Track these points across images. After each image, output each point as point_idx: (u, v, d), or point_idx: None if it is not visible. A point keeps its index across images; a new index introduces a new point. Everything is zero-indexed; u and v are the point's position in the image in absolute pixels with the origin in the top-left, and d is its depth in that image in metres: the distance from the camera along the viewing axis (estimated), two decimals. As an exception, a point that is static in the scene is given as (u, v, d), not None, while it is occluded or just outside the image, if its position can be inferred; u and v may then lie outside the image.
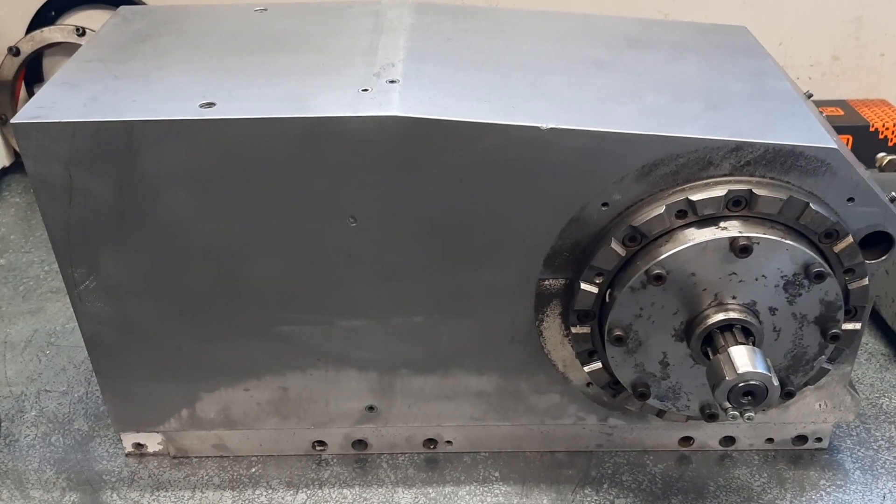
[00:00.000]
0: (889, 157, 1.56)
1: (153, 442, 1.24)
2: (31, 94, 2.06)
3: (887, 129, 1.93)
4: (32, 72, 2.06)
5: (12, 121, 0.96)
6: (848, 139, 1.92)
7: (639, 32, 1.24)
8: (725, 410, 0.98)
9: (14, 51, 1.98)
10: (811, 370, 1.07)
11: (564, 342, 1.12)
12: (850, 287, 1.04)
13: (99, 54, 1.12)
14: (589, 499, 1.18)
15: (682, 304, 1.01)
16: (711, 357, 1.00)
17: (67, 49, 2.00)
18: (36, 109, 0.98)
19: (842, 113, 1.99)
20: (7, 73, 2.00)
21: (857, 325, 1.07)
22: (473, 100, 1.02)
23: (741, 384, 0.95)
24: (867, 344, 1.46)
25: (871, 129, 1.93)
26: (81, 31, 1.96)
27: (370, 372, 1.15)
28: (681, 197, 0.98)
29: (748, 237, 0.97)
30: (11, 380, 1.40)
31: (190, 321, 1.10)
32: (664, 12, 2.03)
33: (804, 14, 2.04)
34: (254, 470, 1.23)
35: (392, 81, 1.03)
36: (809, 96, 1.17)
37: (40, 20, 2.00)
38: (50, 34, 1.98)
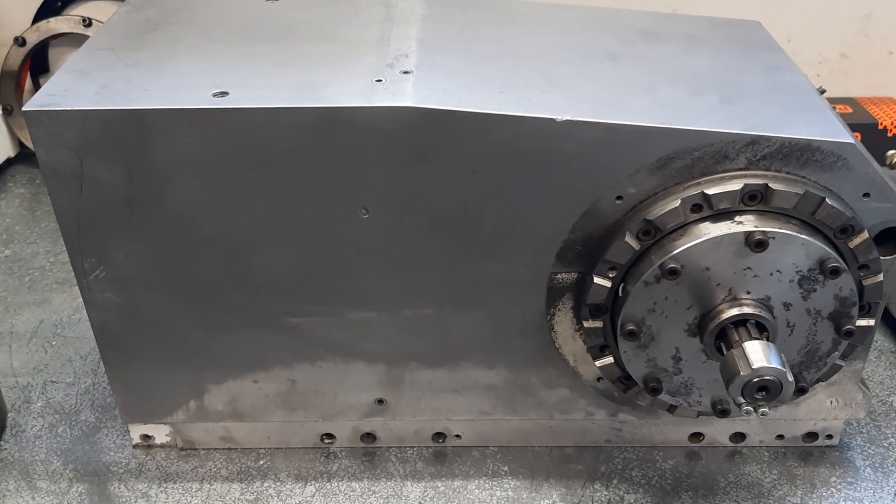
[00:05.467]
0: (899, 155, 1.55)
1: (161, 433, 1.23)
2: (36, 84, 2.05)
3: (896, 126, 1.93)
4: (38, 62, 2.05)
5: (24, 108, 0.96)
6: (856, 137, 1.91)
7: (652, 25, 1.24)
8: (739, 406, 0.98)
9: (20, 41, 1.97)
10: (824, 366, 1.07)
11: (576, 336, 1.11)
12: (864, 283, 1.03)
13: (110, 42, 1.12)
14: (598, 494, 1.17)
15: (696, 298, 1.01)
16: (725, 352, 0.99)
17: (73, 40, 1.99)
18: (47, 97, 0.98)
19: (850, 110, 1.99)
20: (13, 64, 1.99)
21: (871, 322, 1.07)
22: (487, 91, 1.01)
23: (756, 379, 0.95)
24: (877, 341, 1.45)
25: (880, 127, 1.92)
26: (88, 22, 1.95)
27: (379, 365, 1.15)
28: (696, 191, 0.98)
29: (763, 232, 0.96)
30: (18, 370, 1.40)
31: (199, 312, 1.10)
32: (672, 7, 2.02)
33: (813, 11, 2.03)
34: (262, 462, 1.22)
35: (406, 72, 1.03)
36: (822, 92, 1.16)
37: (46, 10, 1.99)
38: (56, 25, 1.97)
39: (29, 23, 1.98)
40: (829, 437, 1.24)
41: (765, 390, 0.95)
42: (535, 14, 1.26)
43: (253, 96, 0.98)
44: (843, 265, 0.98)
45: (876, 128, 1.93)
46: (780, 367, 0.94)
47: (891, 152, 1.57)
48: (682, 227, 0.99)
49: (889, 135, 1.93)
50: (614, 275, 1.02)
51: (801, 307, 1.01)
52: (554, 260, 1.06)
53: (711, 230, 0.97)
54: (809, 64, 2.09)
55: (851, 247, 1.00)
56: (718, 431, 1.24)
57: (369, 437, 1.24)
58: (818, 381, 1.10)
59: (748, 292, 1.00)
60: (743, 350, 0.96)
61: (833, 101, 2.00)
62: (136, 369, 1.15)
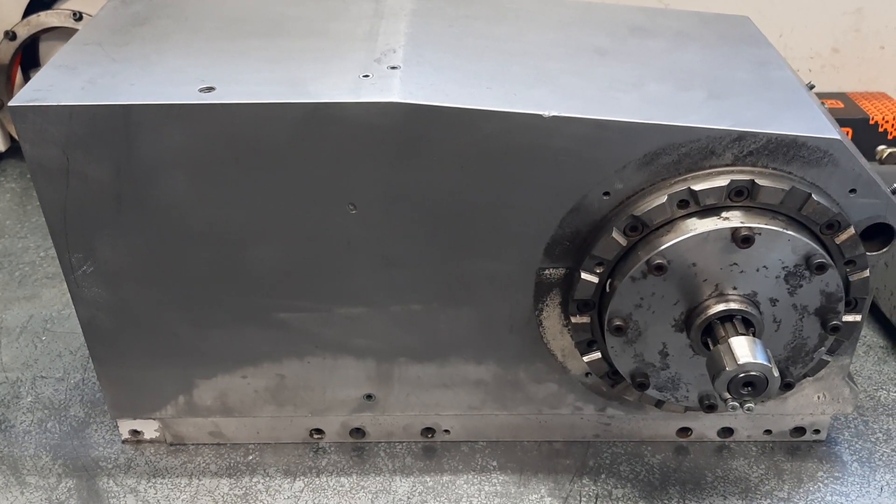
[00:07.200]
0: (889, 150, 1.56)
1: (150, 429, 1.24)
2: (27, 78, 2.04)
3: (887, 121, 1.93)
4: (29, 56, 2.04)
5: (10, 103, 0.95)
6: (848, 132, 1.91)
7: (641, 21, 1.24)
8: (725, 401, 0.98)
9: (10, 35, 1.96)
10: (811, 362, 1.07)
11: (564, 332, 1.12)
12: (850, 278, 1.03)
13: (97, 37, 1.11)
14: (586, 489, 1.18)
15: (683, 294, 1.01)
16: (712, 348, 0.99)
17: (64, 33, 1.98)
18: (33, 92, 0.97)
19: (842, 105, 1.99)
20: (3, 58, 1.98)
21: (857, 317, 1.07)
22: (475, 86, 1.01)
23: (741, 375, 0.95)
24: (865, 336, 1.46)
25: (871, 122, 1.93)
26: (78, 16, 1.95)
27: (368, 360, 1.15)
28: (683, 186, 0.98)
29: (750, 227, 0.96)
30: (7, 365, 1.40)
31: (187, 307, 1.10)
32: (663, 3, 2.02)
33: (804, 5, 2.03)
34: (251, 457, 1.22)
35: (393, 67, 1.03)
36: (811, 87, 1.17)
37: (37, 4, 1.98)
38: (46, 18, 1.96)
39: (19, 17, 1.98)
40: (817, 431, 1.24)
41: (750, 386, 0.96)
42: (526, 10, 1.26)
43: (240, 91, 0.97)
44: (830, 261, 0.99)
45: (867, 123, 1.93)
46: (765, 363, 0.95)
47: (880, 147, 1.58)
48: (669, 223, 0.99)
49: (880, 130, 1.94)
50: (601, 270, 1.03)
51: (788, 303, 1.02)
52: (542, 255, 1.06)
53: (698, 226, 0.98)
54: (801, 59, 2.09)
55: (838, 242, 1.01)
56: (706, 426, 1.24)
57: (358, 432, 1.24)
58: (805, 376, 1.11)
59: (735, 288, 1.00)
60: (729, 346, 0.97)
61: (824, 97, 2.00)
62: (124, 365, 1.15)
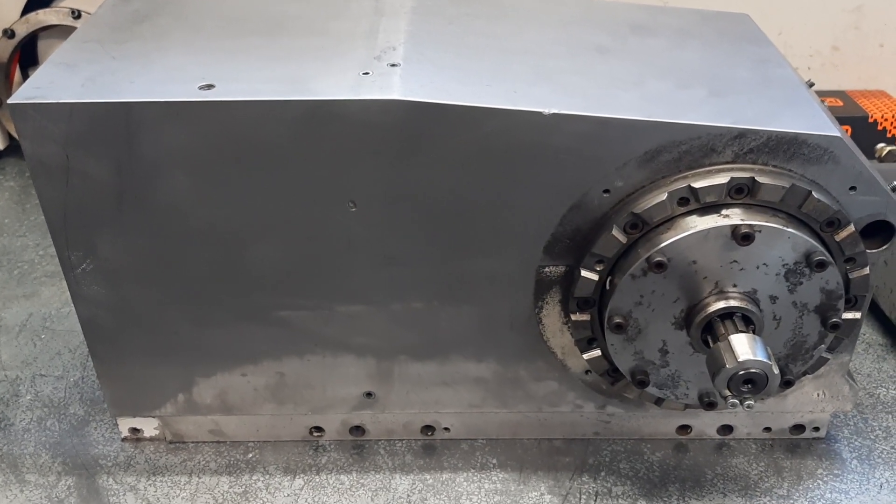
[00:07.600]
0: (889, 148, 1.56)
1: (149, 427, 1.24)
2: (25, 76, 2.04)
3: (886, 120, 1.93)
4: (27, 54, 2.04)
5: (9, 100, 0.95)
6: (847, 130, 1.91)
7: (642, 19, 1.24)
8: (725, 398, 0.98)
9: (9, 33, 1.95)
10: (810, 359, 1.07)
11: (564, 329, 1.12)
12: (850, 276, 1.04)
13: (97, 35, 1.11)
14: (586, 486, 1.18)
15: (683, 291, 1.01)
16: (712, 345, 1.00)
17: (62, 31, 1.98)
18: (33, 90, 0.97)
19: (841, 104, 1.99)
20: (2, 56, 1.98)
21: (857, 315, 1.07)
22: (475, 84, 1.01)
23: (741, 372, 0.95)
24: (865, 334, 1.46)
25: (871, 120, 1.93)
26: (77, 14, 1.94)
27: (368, 358, 1.15)
28: (683, 184, 0.98)
29: (750, 225, 0.96)
30: (6, 364, 1.40)
31: (187, 305, 1.10)
32: (664, 0, 2.02)
33: (804, 3, 2.03)
34: (251, 455, 1.22)
35: (393, 65, 1.03)
36: (811, 85, 1.17)
37: (35, 2, 1.98)
38: (45, 16, 1.96)
39: (18, 14, 1.97)
40: (816, 429, 1.24)
41: (750, 383, 0.96)
42: (527, 7, 1.26)
43: (241, 89, 0.97)
44: (830, 258, 0.99)
45: (866, 121, 1.93)
46: (765, 360, 0.95)
47: (880, 145, 1.58)
48: (669, 221, 0.99)
49: (879, 128, 1.94)
50: (601, 268, 1.03)
51: (788, 300, 1.02)
52: (542, 253, 1.06)
53: (698, 223, 0.98)
54: (801, 57, 2.09)
55: (838, 240, 1.01)
56: (706, 424, 1.24)
57: (358, 430, 1.24)
58: (805, 373, 1.11)
59: (735, 285, 1.00)
60: (729, 343, 0.97)
61: (824, 95, 2.01)
62: (124, 363, 1.15)
